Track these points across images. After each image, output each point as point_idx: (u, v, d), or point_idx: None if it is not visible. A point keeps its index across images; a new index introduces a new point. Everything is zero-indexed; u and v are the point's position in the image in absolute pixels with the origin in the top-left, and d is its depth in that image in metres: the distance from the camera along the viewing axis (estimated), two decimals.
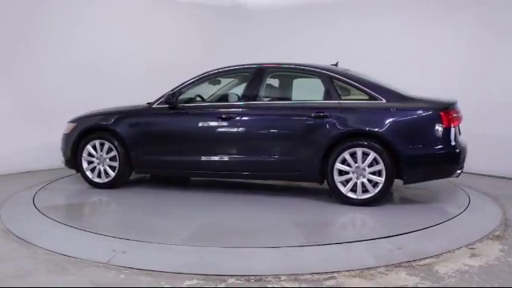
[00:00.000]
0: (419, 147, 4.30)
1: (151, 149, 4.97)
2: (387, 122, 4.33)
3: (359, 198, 4.36)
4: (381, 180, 4.28)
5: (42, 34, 6.35)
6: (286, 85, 5.15)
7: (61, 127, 6.54)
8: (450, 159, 4.35)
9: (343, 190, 4.39)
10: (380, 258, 3.11)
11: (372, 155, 4.29)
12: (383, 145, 4.28)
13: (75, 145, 5.13)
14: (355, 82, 4.62)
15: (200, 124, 4.89)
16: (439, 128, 4.26)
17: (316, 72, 4.76)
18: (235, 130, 4.70)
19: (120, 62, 7.07)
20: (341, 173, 4.40)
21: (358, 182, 4.35)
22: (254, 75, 4.86)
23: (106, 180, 5.07)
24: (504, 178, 5.79)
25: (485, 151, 5.91)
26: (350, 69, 4.99)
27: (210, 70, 5.04)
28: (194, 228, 3.74)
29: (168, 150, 4.95)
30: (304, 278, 2.79)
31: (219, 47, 8.04)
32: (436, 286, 2.71)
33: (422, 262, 3.05)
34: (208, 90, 5.29)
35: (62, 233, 3.65)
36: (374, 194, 4.32)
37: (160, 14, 7.71)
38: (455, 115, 4.37)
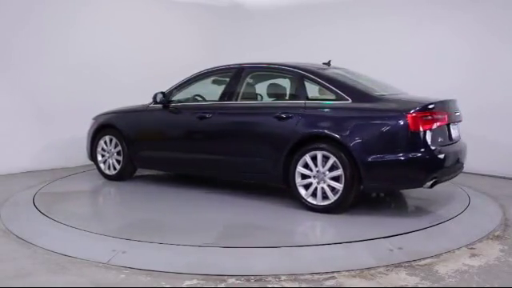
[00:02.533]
0: (380, 153, 3.90)
1: (143, 145, 5.36)
2: (347, 124, 4.03)
3: (319, 204, 4.11)
4: (339, 186, 3.98)
5: (41, 34, 6.34)
6: (261, 85, 5.06)
7: (61, 127, 6.58)
8: (416, 167, 3.90)
9: (304, 194, 4.18)
10: (380, 258, 3.11)
11: (331, 160, 4.02)
12: (342, 149, 3.99)
13: (92, 140, 5.70)
14: (324, 80, 4.37)
15: (181, 123, 5.09)
16: (405, 132, 3.85)
17: (289, 71, 4.62)
18: (209, 129, 4.81)
19: (119, 62, 7.07)
20: (304, 177, 4.19)
21: (319, 187, 4.10)
22: (234, 75, 4.91)
23: (113, 172, 5.56)
24: (504, 177, 5.79)
25: (485, 151, 5.91)
26: (344, 67, 4.95)
27: (200, 70, 5.21)
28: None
29: (155, 147, 5.31)
30: (304, 278, 2.79)
31: (219, 47, 8.04)
32: (436, 285, 2.71)
33: (422, 262, 3.05)
34: (199, 90, 5.35)
35: (62, 233, 3.65)
36: (332, 200, 4.04)
37: (159, 13, 7.71)
38: (430, 117, 3.92)
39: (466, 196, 4.79)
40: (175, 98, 5.25)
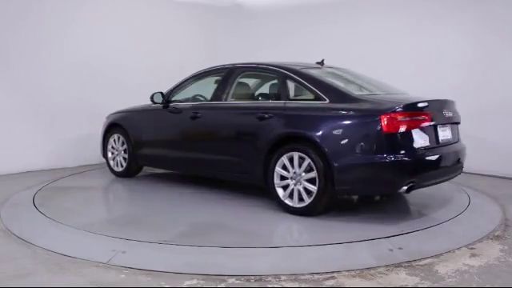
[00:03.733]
0: (353, 155, 3.77)
1: (144, 143, 5.53)
2: (322, 125, 3.95)
3: (295, 206, 4.04)
4: (314, 188, 3.90)
5: (40, 34, 6.34)
6: (248, 85, 5.07)
7: (60, 127, 6.58)
8: (389, 171, 3.74)
9: (281, 195, 4.13)
10: (380, 258, 3.11)
11: (306, 161, 3.94)
12: (316, 150, 3.90)
13: (104, 138, 5.98)
14: (305, 80, 4.28)
15: (176, 123, 5.16)
16: (378, 134, 3.69)
17: (274, 71, 4.58)
18: (199, 128, 4.89)
19: (119, 62, 7.08)
20: (282, 178, 4.13)
21: (295, 189, 4.03)
22: (225, 75, 4.93)
23: (120, 169, 5.82)
24: (504, 177, 5.78)
25: (485, 151, 5.91)
26: (342, 67, 4.94)
27: (198, 70, 5.30)
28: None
29: (153, 145, 5.47)
30: (304, 278, 2.79)
31: (219, 47, 8.05)
32: (436, 285, 2.71)
33: (422, 262, 3.05)
34: (197, 90, 5.39)
35: (62, 233, 3.65)
36: (307, 203, 3.96)
37: (160, 13, 7.71)
38: (406, 118, 3.74)
39: (466, 196, 4.79)
40: (175, 97, 5.33)
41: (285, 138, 4.13)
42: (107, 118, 6.04)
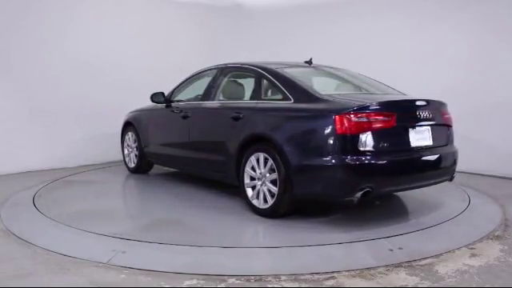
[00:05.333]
0: (309, 156, 3.66)
1: (149, 141, 5.76)
2: (283, 125, 3.90)
3: (259, 206, 4.01)
4: (275, 190, 3.84)
5: (40, 33, 6.35)
6: (231, 85, 5.05)
7: (61, 127, 6.58)
8: (342, 175, 3.54)
9: (250, 195, 4.10)
10: (380, 258, 3.11)
11: (269, 162, 3.89)
12: (277, 151, 3.82)
13: (122, 135, 6.33)
14: (277, 80, 4.21)
15: (171, 122, 5.31)
16: (332, 135, 3.52)
17: (252, 70, 4.56)
18: (188, 127, 5.01)
19: (119, 61, 7.09)
20: (252, 178, 4.09)
21: (261, 190, 4.00)
22: (215, 75, 5.01)
23: (133, 166, 6.14)
24: (504, 177, 5.78)
25: (485, 151, 5.91)
26: (338, 67, 4.92)
27: (196, 70, 5.42)
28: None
29: (155, 143, 5.67)
30: (304, 278, 2.79)
31: (219, 47, 8.05)
32: (436, 285, 2.71)
33: (422, 262, 3.05)
34: (196, 90, 5.43)
35: (62, 233, 3.65)
36: (269, 204, 3.91)
37: (160, 13, 7.71)
38: (364, 119, 3.53)
39: (466, 196, 4.79)
40: (178, 97, 5.45)
41: (254, 138, 4.10)
42: (125, 116, 6.30)
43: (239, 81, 4.91)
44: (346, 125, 3.49)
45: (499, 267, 3.00)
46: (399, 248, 3.27)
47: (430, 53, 6.37)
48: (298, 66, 4.80)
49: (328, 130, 3.55)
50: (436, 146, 3.98)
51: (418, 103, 3.94)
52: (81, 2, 6.71)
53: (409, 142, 3.76)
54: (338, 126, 3.50)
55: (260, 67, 4.48)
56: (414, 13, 6.56)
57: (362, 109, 3.55)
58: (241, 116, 4.27)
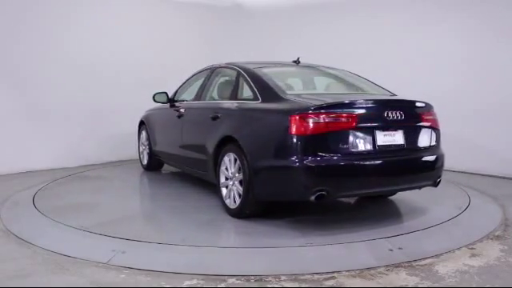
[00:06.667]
0: (266, 157, 3.62)
1: (155, 139, 5.93)
2: (248, 125, 3.89)
3: (230, 206, 4.00)
4: (241, 190, 3.82)
5: (40, 34, 6.35)
6: (216, 85, 5.06)
7: (61, 127, 6.58)
8: (294, 176, 3.44)
9: (223, 195, 4.10)
10: (380, 258, 3.11)
11: (237, 162, 3.87)
12: (242, 151, 3.79)
13: (138, 134, 6.55)
14: (251, 79, 4.16)
15: (170, 121, 5.45)
16: (286, 135, 3.43)
17: (233, 70, 4.55)
18: (181, 127, 5.12)
19: (120, 61, 7.09)
20: (227, 178, 4.08)
21: (231, 190, 3.99)
22: (206, 76, 5.10)
23: (145, 163, 6.36)
24: (504, 178, 5.78)
25: (485, 151, 5.91)
26: (335, 67, 4.91)
27: (197, 70, 5.50)
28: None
29: (160, 141, 5.81)
30: (304, 278, 2.79)
31: (219, 47, 8.05)
32: (436, 285, 2.71)
33: (422, 262, 3.05)
34: (195, 90, 5.45)
35: (62, 233, 3.65)
36: (237, 204, 3.90)
37: (160, 13, 7.71)
38: (320, 120, 3.39)
39: (466, 196, 4.79)
40: (179, 97, 5.55)
41: (226, 138, 4.08)
42: (142, 115, 6.49)
43: (224, 81, 4.93)
44: (301, 125, 3.38)
45: (499, 267, 3.00)
46: (399, 248, 3.27)
47: (429, 53, 6.37)
48: (281, 65, 4.84)
49: (284, 131, 3.46)
50: (412, 148, 3.78)
51: (388, 104, 3.76)
52: (81, 3, 6.71)
53: (374, 145, 3.56)
54: (293, 127, 3.40)
55: (240, 67, 4.47)
56: (414, 13, 6.56)
57: (317, 109, 3.42)
58: (219, 116, 4.30)
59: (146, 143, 6.25)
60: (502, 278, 2.83)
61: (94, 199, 4.77)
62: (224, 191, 4.12)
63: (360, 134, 3.53)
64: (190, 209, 4.35)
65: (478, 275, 2.86)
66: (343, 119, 3.45)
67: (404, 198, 4.77)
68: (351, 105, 3.59)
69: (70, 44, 6.61)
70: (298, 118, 3.39)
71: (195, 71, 5.52)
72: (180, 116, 5.15)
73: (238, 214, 3.93)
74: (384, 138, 3.61)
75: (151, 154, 6.12)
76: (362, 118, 3.52)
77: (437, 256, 3.15)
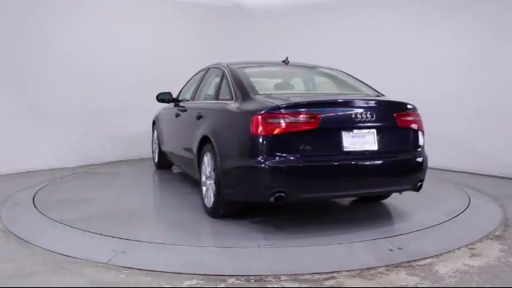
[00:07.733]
0: (231, 157, 3.63)
1: (161, 139, 6.10)
2: (218, 125, 3.93)
3: (207, 205, 4.01)
4: (215, 190, 3.82)
5: (40, 34, 6.35)
6: (206, 85, 5.07)
7: (61, 127, 6.58)
8: (253, 177, 3.44)
9: (203, 193, 4.10)
10: (380, 258, 3.11)
11: (212, 161, 3.87)
12: (215, 151, 3.80)
13: (152, 133, 6.70)
14: (231, 79, 4.14)
15: (169, 120, 5.63)
16: (248, 136, 3.40)
17: (220, 69, 4.56)
18: (178, 126, 5.25)
19: (120, 62, 7.10)
20: (207, 177, 4.07)
21: (208, 189, 3.98)
22: (201, 76, 5.17)
23: (156, 161, 6.53)
24: (504, 178, 5.78)
25: (485, 151, 5.91)
26: (333, 67, 4.91)
27: (198, 70, 5.56)
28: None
29: (164, 140, 5.97)
30: (304, 278, 2.79)
31: (219, 47, 8.05)
32: (436, 285, 2.71)
33: (422, 262, 3.05)
34: (190, 90, 5.54)
35: (62, 233, 3.65)
36: (211, 204, 3.89)
37: (161, 13, 7.72)
38: (281, 121, 3.33)
39: (466, 196, 4.79)
40: (182, 97, 5.60)
41: (204, 138, 4.09)
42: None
43: (212, 81, 4.95)
44: (260, 126, 3.34)
45: (499, 267, 3.00)
46: (399, 248, 3.27)
47: (429, 54, 6.37)
48: (267, 65, 4.90)
49: (246, 131, 3.43)
50: (386, 151, 3.61)
51: (358, 104, 3.59)
52: (81, 4, 6.71)
53: (340, 146, 3.45)
54: (253, 127, 3.36)
55: (224, 66, 4.48)
56: (414, 13, 6.56)
57: (277, 109, 3.36)
58: (202, 116, 4.35)
59: (156, 142, 6.42)
60: (502, 278, 2.83)
61: (94, 196, 4.77)
62: (204, 190, 4.11)
63: (324, 135, 3.44)
64: (172, 208, 4.44)
65: (477, 275, 2.86)
66: (305, 119, 3.37)
67: (403, 198, 4.76)
68: (316, 105, 3.52)
69: (71, 44, 6.61)
70: (259, 118, 3.35)
71: (197, 70, 5.53)
72: (177, 115, 5.26)
73: (212, 213, 3.94)
74: (352, 140, 3.49)
75: (160, 153, 6.28)
76: (326, 119, 3.42)
77: (437, 256, 3.15)
